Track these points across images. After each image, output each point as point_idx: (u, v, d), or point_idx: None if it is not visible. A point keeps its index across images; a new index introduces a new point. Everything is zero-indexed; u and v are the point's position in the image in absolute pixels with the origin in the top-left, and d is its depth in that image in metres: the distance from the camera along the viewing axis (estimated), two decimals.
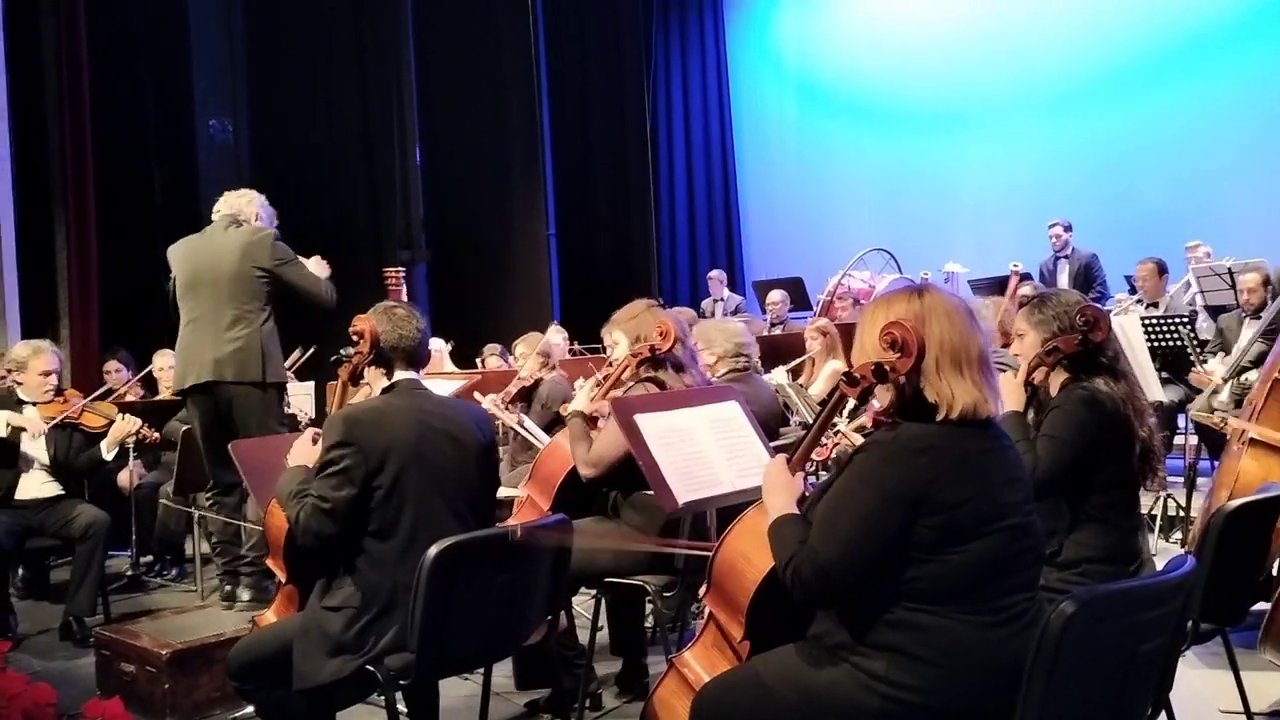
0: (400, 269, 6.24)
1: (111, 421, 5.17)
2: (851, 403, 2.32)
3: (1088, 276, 8.74)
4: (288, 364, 5.54)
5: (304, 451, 3.06)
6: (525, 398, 5.94)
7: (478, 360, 7.88)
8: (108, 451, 5.14)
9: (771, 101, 12.75)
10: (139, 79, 9.25)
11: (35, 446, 5.03)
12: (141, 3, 9.30)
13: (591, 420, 3.67)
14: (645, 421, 3.14)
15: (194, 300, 4.75)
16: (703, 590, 2.46)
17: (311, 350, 6.64)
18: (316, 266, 4.86)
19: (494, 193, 12.07)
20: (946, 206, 11.25)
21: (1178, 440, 6.31)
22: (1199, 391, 5.92)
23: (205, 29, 10.00)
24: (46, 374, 5.05)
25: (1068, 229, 9.03)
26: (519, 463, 5.70)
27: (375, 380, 3.06)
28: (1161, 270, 7.16)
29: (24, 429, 4.97)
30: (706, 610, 2.49)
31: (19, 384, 5.06)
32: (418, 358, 3.06)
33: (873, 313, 2.20)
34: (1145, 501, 5.23)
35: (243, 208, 4.84)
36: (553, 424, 5.56)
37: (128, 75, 9.12)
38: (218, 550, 4.95)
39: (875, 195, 11.77)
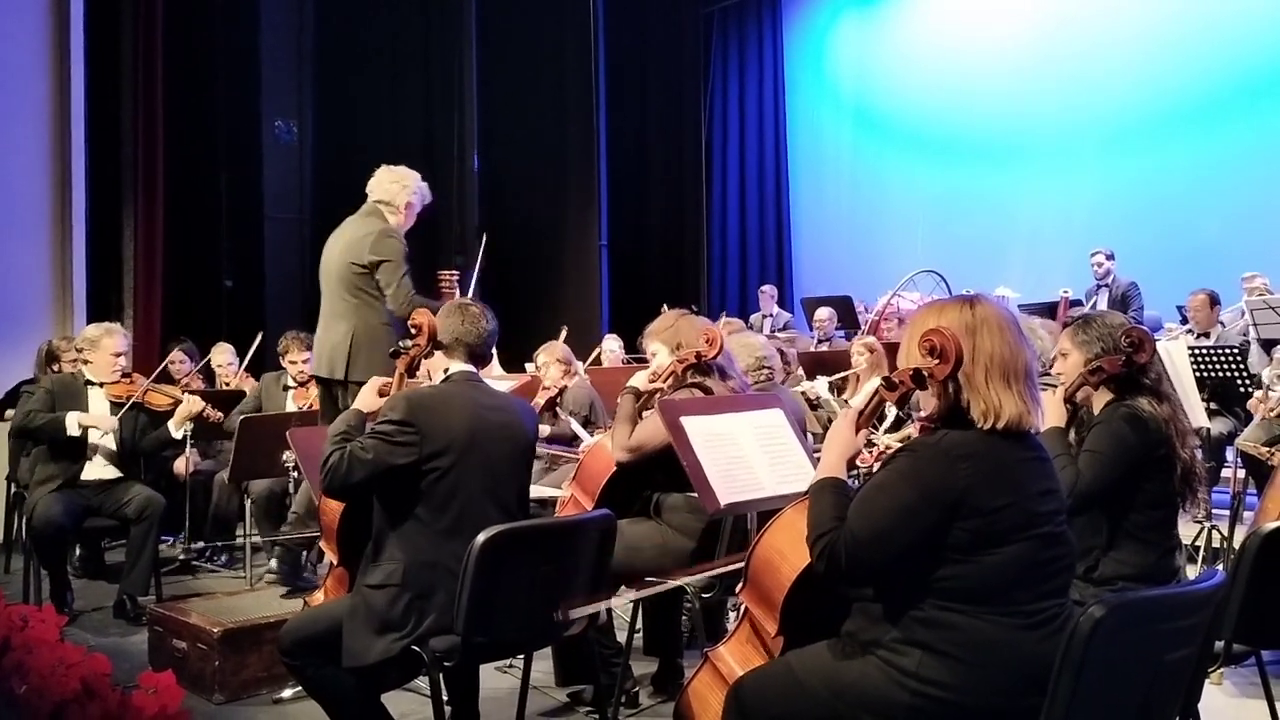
0: (454, 271, 6.32)
1: (176, 401, 5.32)
2: (894, 412, 2.37)
3: (1124, 304, 8.72)
4: None
5: (368, 398, 3.19)
6: (551, 407, 6.02)
7: (530, 364, 7.97)
8: (176, 430, 5.29)
9: (827, 123, 12.78)
10: (210, 80, 9.51)
11: (103, 438, 5.13)
12: (216, 9, 9.56)
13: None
14: (690, 424, 3.21)
15: (322, 291, 4.80)
16: (739, 586, 2.52)
17: None
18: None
19: (548, 201, 12.22)
20: (999, 233, 11.20)
21: (1225, 473, 6.25)
22: (1248, 422, 5.87)
23: (275, 33, 10.27)
24: (117, 355, 5.18)
25: (1110, 257, 9.05)
26: (560, 464, 5.78)
27: (434, 372, 3.16)
28: (1214, 302, 7.12)
29: (94, 427, 5.06)
30: (742, 605, 2.55)
31: (88, 363, 5.20)
32: (480, 355, 3.16)
33: (921, 319, 2.24)
34: (1189, 533, 5.21)
35: (394, 194, 4.74)
36: (585, 427, 5.67)
37: (200, 76, 9.39)
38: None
39: (927, 219, 11.75)
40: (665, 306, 4.08)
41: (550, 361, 6.15)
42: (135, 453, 5.26)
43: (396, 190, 4.74)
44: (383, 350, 4.52)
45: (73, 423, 5.01)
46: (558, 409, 5.95)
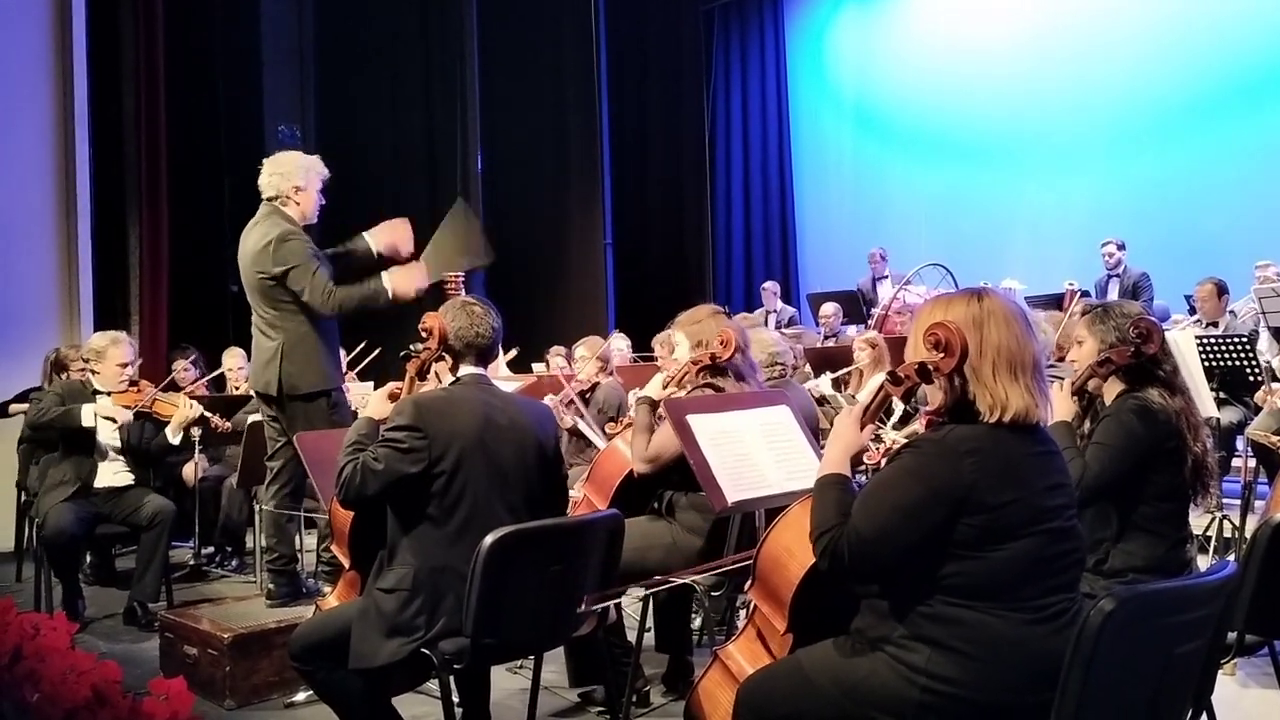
0: (459, 274, 6.30)
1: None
2: (900, 407, 2.36)
3: (1135, 294, 8.71)
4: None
5: (378, 405, 3.18)
6: (582, 401, 6.03)
7: (541, 363, 8.01)
8: (173, 436, 5.29)
9: (829, 118, 12.76)
10: (213, 85, 9.53)
11: (109, 436, 5.16)
12: (217, 12, 9.57)
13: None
14: (697, 422, 3.20)
15: (249, 300, 4.59)
16: (748, 584, 2.52)
17: (376, 350, 6.77)
18: (389, 233, 4.54)
19: (552, 201, 12.23)
20: (1003, 227, 11.19)
21: (1235, 462, 6.23)
22: (1257, 412, 5.85)
23: (276, 38, 10.28)
24: (124, 365, 5.18)
25: (1121, 247, 9.07)
26: (574, 465, 5.78)
27: (443, 375, 3.16)
28: (1221, 291, 7.10)
29: (112, 419, 5.08)
30: (751, 603, 2.54)
31: (95, 373, 5.20)
32: (488, 355, 3.15)
33: (928, 313, 2.23)
34: (1200, 523, 5.19)
35: (278, 185, 4.43)
36: (604, 427, 5.65)
37: (202, 81, 9.40)
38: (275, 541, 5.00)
39: (932, 214, 11.73)
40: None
41: (590, 356, 6.15)
42: (142, 457, 5.27)
43: (279, 181, 4.42)
44: (316, 357, 4.39)
45: (88, 413, 5.03)
46: (576, 404, 5.94)
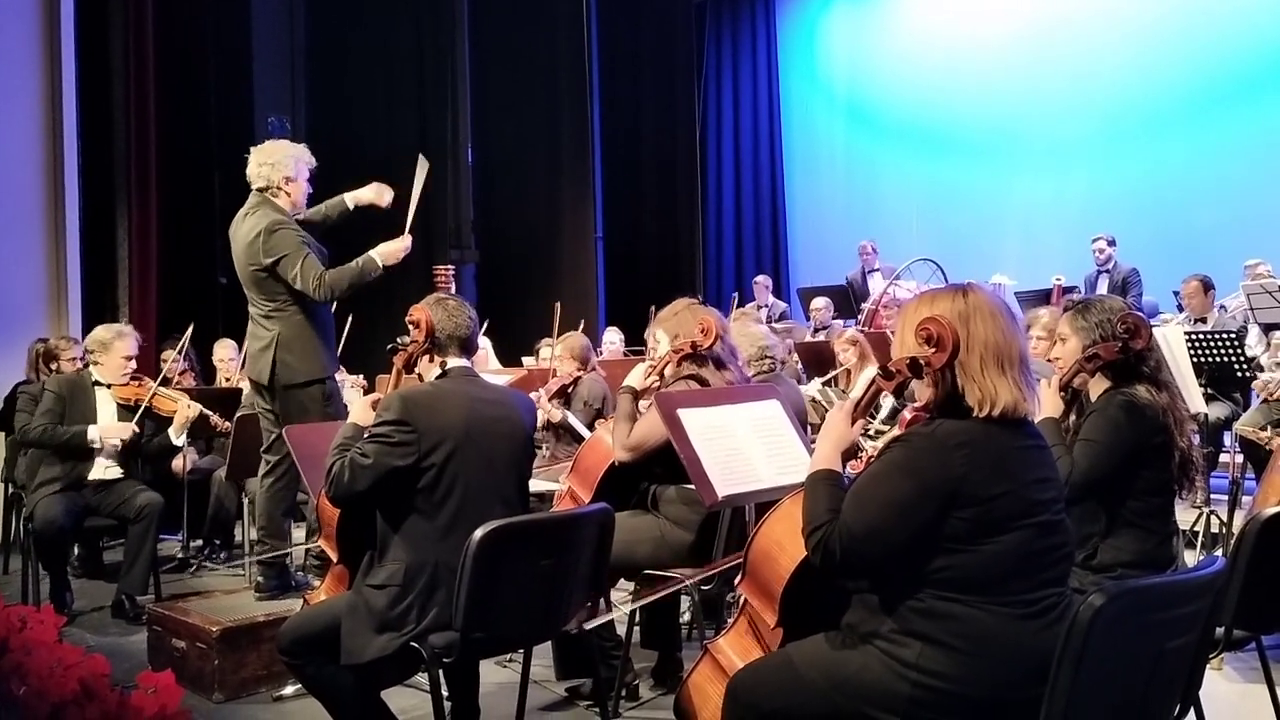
0: (450, 267, 6.29)
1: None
2: (891, 401, 2.36)
3: (1124, 290, 8.75)
4: None
5: (362, 413, 3.17)
6: (565, 396, 6.02)
7: (530, 355, 8.00)
8: (177, 437, 5.27)
9: (820, 113, 12.76)
10: (203, 77, 9.46)
11: (110, 449, 5.11)
12: (207, 3, 9.52)
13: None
14: (688, 416, 3.21)
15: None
16: (738, 578, 2.52)
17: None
18: (374, 194, 4.67)
19: (543, 195, 12.21)
20: (993, 222, 11.21)
21: (1223, 458, 6.25)
22: (1245, 408, 5.88)
23: (267, 29, 10.22)
24: (128, 358, 5.15)
25: (1111, 243, 9.09)
26: (560, 458, 5.78)
27: (427, 370, 3.15)
28: (1207, 287, 7.12)
29: (116, 437, 5.03)
30: (741, 597, 2.54)
31: (98, 364, 5.17)
32: (470, 347, 3.16)
33: (915, 309, 2.24)
34: (1188, 518, 5.21)
35: (268, 175, 4.44)
36: (594, 422, 5.66)
37: (192, 73, 9.34)
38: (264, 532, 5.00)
39: (923, 209, 11.74)
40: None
41: (565, 355, 6.13)
42: (139, 456, 5.24)
43: (269, 171, 4.43)
44: (312, 348, 4.42)
45: (94, 434, 4.99)
46: (562, 399, 5.94)
